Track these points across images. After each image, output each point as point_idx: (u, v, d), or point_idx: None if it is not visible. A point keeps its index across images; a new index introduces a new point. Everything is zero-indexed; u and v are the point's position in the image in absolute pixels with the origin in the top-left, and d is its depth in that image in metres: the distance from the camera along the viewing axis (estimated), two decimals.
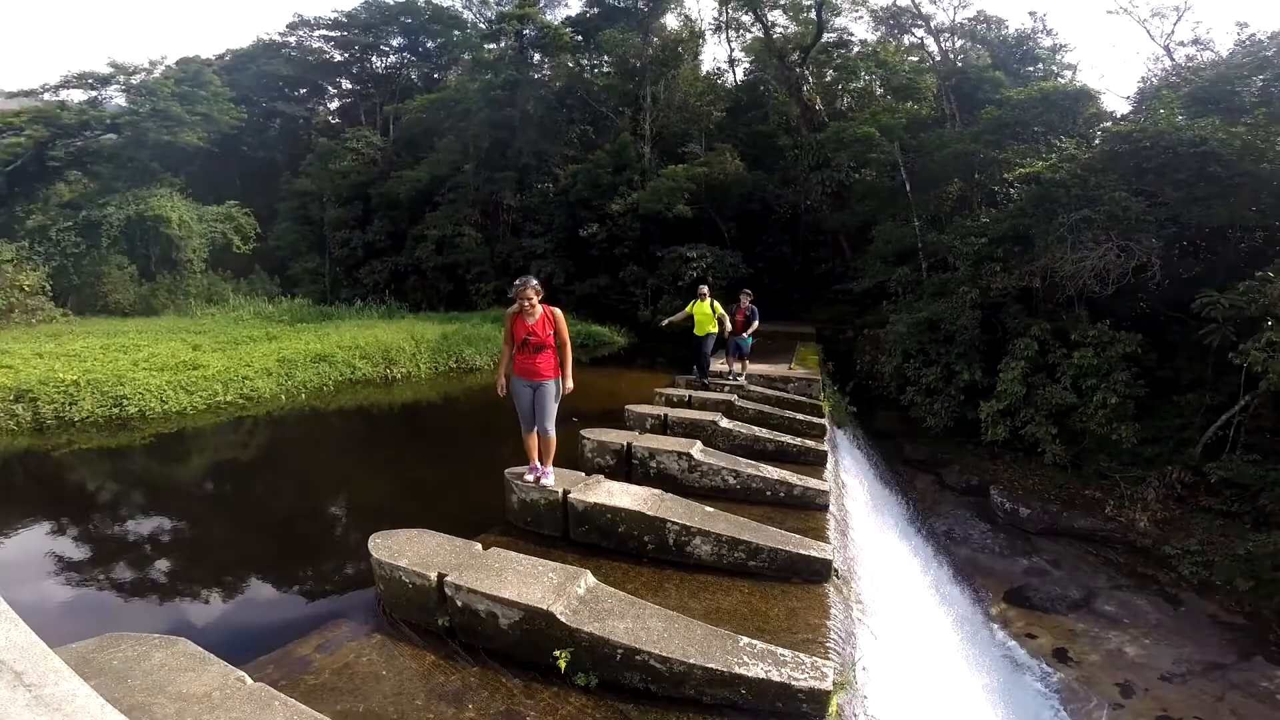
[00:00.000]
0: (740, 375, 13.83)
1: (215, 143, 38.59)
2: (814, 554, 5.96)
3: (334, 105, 51.93)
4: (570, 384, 6.84)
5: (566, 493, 6.58)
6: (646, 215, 30.76)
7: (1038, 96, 20.46)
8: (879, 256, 23.63)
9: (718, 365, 14.39)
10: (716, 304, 13.29)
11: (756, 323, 13.81)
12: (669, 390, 12.32)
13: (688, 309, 13.49)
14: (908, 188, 23.23)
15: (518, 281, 6.58)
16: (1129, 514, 14.06)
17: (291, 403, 16.12)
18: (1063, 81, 24.52)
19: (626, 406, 10.53)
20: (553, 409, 6.78)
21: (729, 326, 13.39)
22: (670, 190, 29.60)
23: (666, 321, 14.48)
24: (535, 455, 6.89)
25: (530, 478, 6.81)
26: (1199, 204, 14.83)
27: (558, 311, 6.74)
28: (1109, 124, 20.58)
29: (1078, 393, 15.02)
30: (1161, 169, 15.20)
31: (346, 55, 47.53)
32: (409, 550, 5.38)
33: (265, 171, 45.79)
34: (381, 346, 20.10)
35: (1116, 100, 38.14)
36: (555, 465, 6.99)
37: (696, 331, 13.26)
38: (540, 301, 6.60)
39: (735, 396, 11.82)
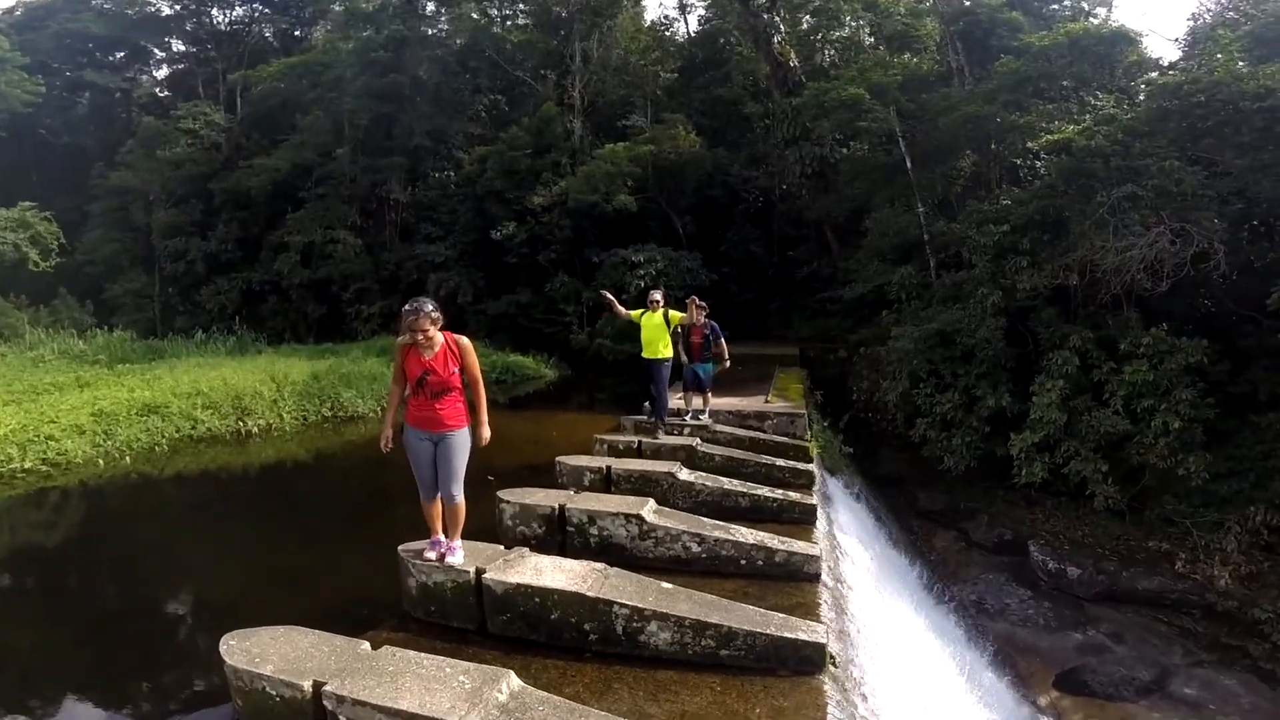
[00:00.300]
0: (703, 413, 13.63)
1: (3, 124, 37.90)
2: (803, 637, 6.00)
3: (162, 73, 51.51)
4: (486, 434, 6.80)
5: (481, 572, 6.50)
6: (579, 209, 30.90)
7: (1065, 42, 20.64)
8: (875, 253, 23.98)
9: (675, 400, 14.17)
10: (673, 313, 12.82)
11: (722, 342, 13.53)
12: (613, 436, 12.31)
13: (634, 314, 13.11)
14: (908, 164, 23.59)
15: (409, 305, 6.46)
16: (1205, 570, 14.21)
17: (112, 469, 15.77)
18: (1096, 22, 24.80)
19: (558, 458, 10.51)
20: (460, 468, 6.70)
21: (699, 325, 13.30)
22: (608, 176, 29.80)
23: (606, 300, 13.93)
24: (439, 526, 6.80)
25: (432, 555, 6.72)
26: (1269, 173, 15.04)
27: (464, 341, 6.72)
28: (1154, 75, 21.11)
29: (1131, 418, 15.24)
30: (1221, 130, 15.52)
31: (178, 7, 46.80)
32: (275, 653, 5.31)
33: (71, 162, 45.03)
34: (232, 392, 19.78)
35: (1162, 44, 39.54)
36: (465, 537, 6.94)
37: (647, 354, 12.87)
38: (441, 329, 6.56)
39: (697, 440, 11.86)
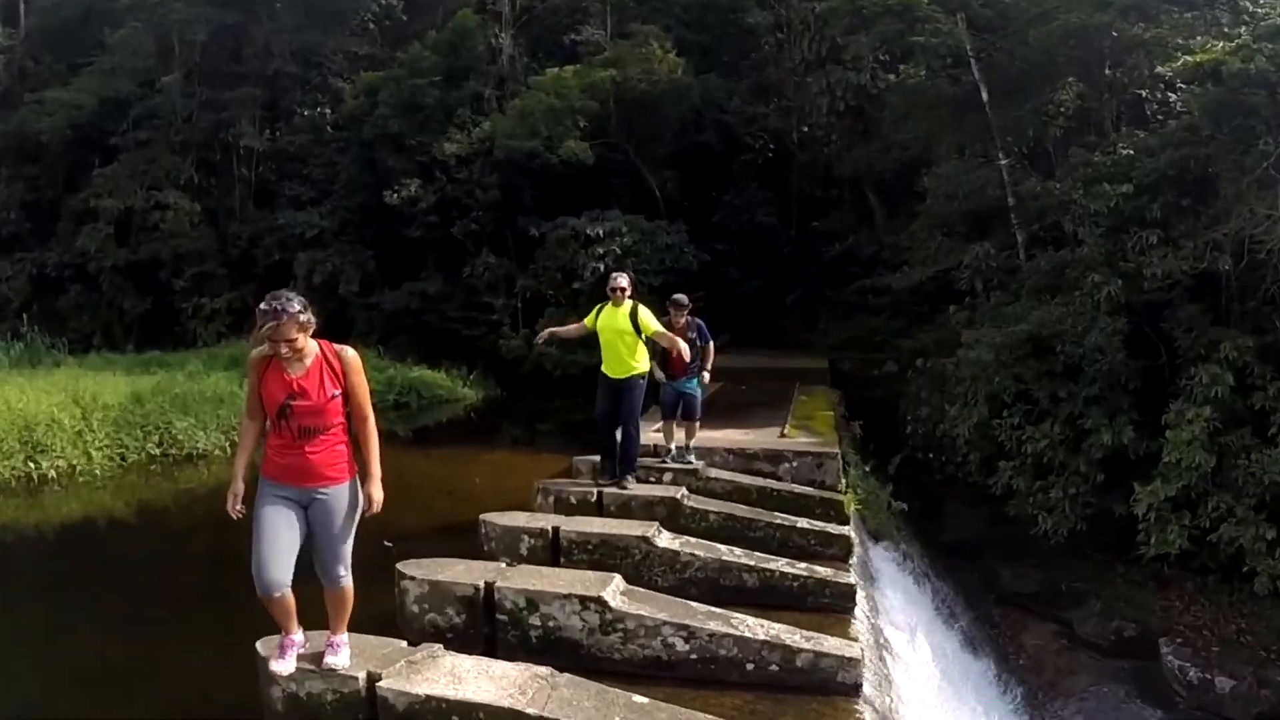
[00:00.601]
0: (689, 453, 13.33)
1: None
2: None
3: None
4: (377, 493, 6.40)
5: (375, 680, 6.41)
6: (510, 161, 30.93)
7: None
8: (937, 223, 24.13)
9: (650, 434, 13.84)
10: (646, 313, 11.88)
11: (711, 351, 13.51)
12: (562, 484, 12.29)
13: (586, 321, 12.39)
14: (984, 96, 23.54)
15: (266, 303, 5.93)
16: None
17: None
18: None
19: (484, 517, 10.47)
20: (346, 538, 6.41)
21: (678, 343, 11.94)
22: (552, 113, 29.85)
23: (545, 334, 13.77)
24: (294, 622, 6.56)
25: (285, 666, 6.61)
26: None
27: (348, 354, 6.39)
28: None
29: None
30: None
31: None
32: None
33: None
34: (18, 420, 19.64)
35: None
36: (353, 627, 6.91)
37: (607, 371, 12.15)
38: (315, 336, 6.25)
39: (683, 491, 11.86)
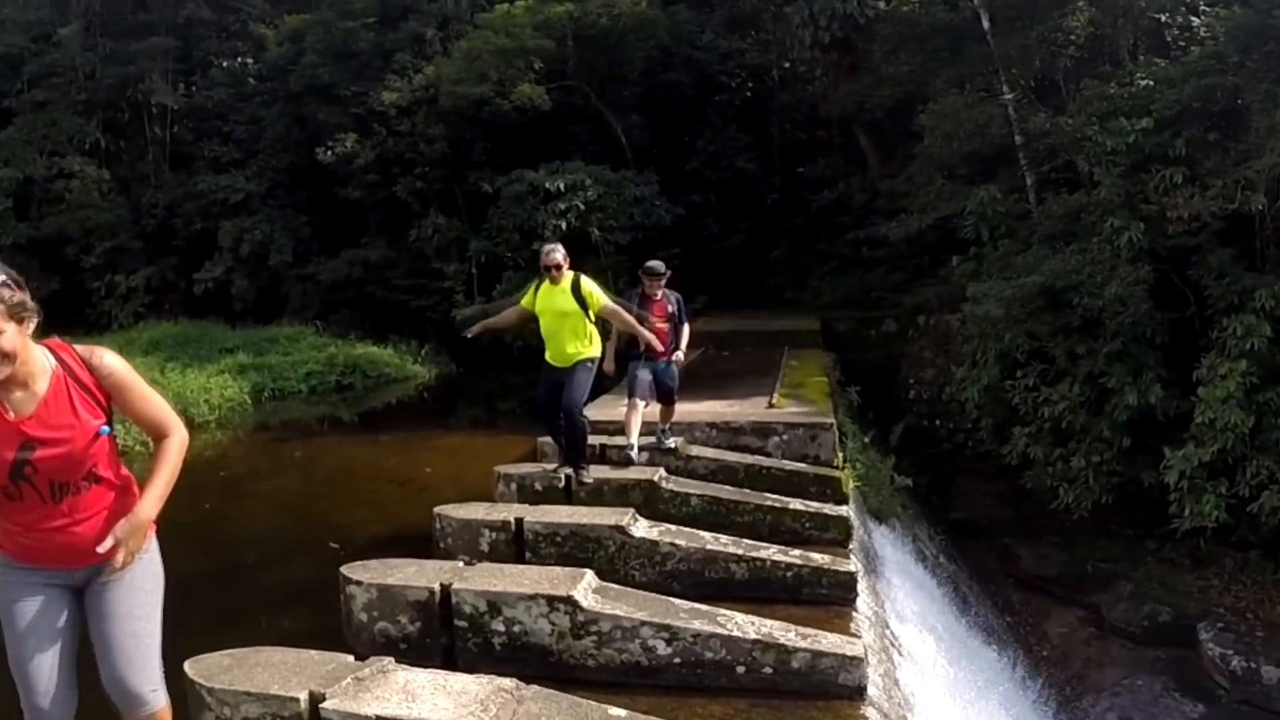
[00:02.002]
0: (667, 436, 12.87)
1: None
2: None
3: None
4: (142, 511, 4.76)
5: (319, 700, 6.31)
6: (458, 110, 30.97)
7: None
8: (937, 166, 24.18)
9: (612, 410, 13.80)
10: (591, 286, 11.07)
11: (686, 328, 12.93)
12: (526, 469, 12.21)
13: (523, 301, 11.54)
14: (985, 24, 23.56)
15: None
16: None
17: None
18: None
19: (438, 510, 10.44)
20: (150, 629, 5.01)
21: (643, 333, 11.31)
22: (503, 55, 29.84)
23: (475, 330, 12.42)
24: None
25: None
26: None
27: (106, 360, 4.69)
28: None
29: None
30: None
31: None
32: None
33: None
34: None
35: None
36: (295, 644, 6.87)
37: (551, 357, 11.33)
38: (33, 332, 4.44)
39: (661, 473, 11.77)
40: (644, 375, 12.25)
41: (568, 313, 10.96)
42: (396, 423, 23.78)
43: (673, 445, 12.72)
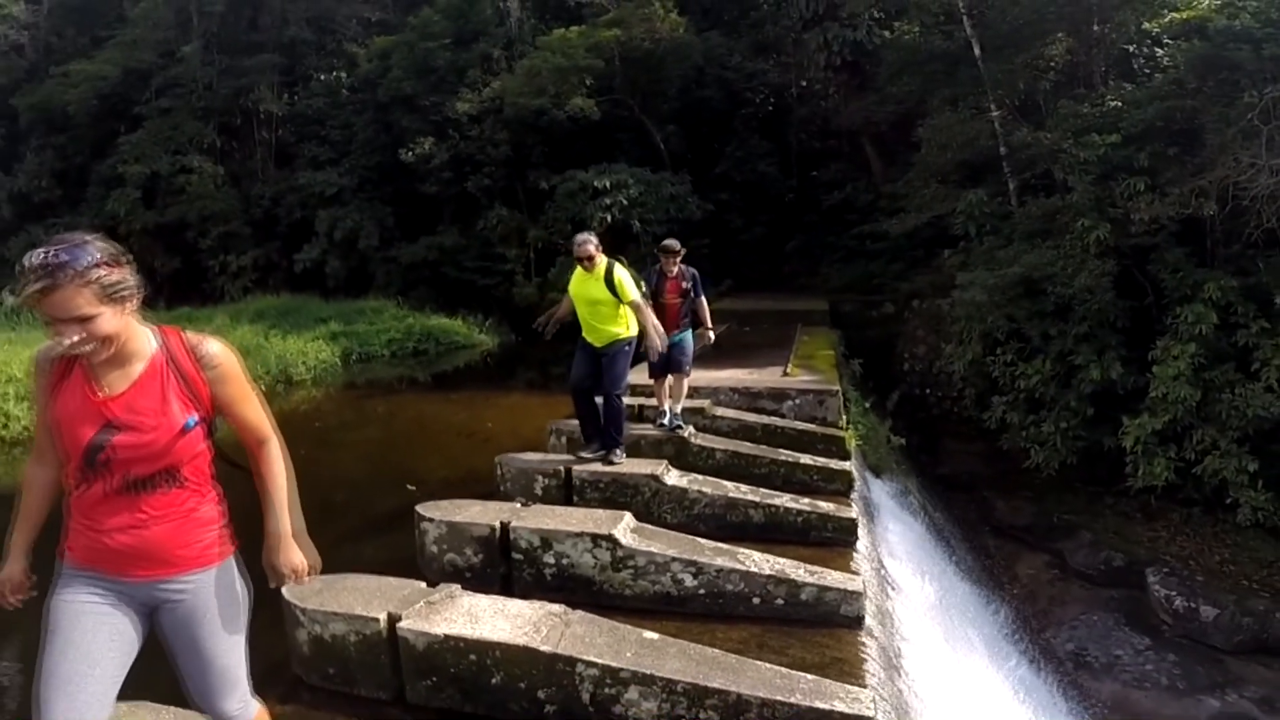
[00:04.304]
0: (677, 418, 11.70)
1: None
2: (841, 708, 5.85)
3: None
4: (295, 557, 4.26)
5: (395, 620, 6.35)
6: (520, 119, 30.91)
7: None
8: (932, 173, 23.99)
9: (643, 375, 12.96)
10: (623, 277, 9.85)
11: (705, 305, 12.00)
12: (574, 424, 11.99)
13: (569, 288, 10.48)
14: (976, 51, 23.40)
15: (39, 255, 3.33)
16: None
17: None
18: None
19: (499, 458, 10.40)
20: (232, 651, 4.19)
21: (650, 335, 9.81)
22: (559, 72, 29.76)
23: (549, 327, 11.07)
24: None
25: None
26: None
27: (213, 350, 3.97)
28: None
29: None
30: None
31: None
32: None
33: None
34: None
35: None
36: (375, 572, 6.82)
37: (588, 337, 10.26)
38: (151, 322, 3.91)
39: (690, 430, 11.74)
40: (660, 352, 10.91)
41: (600, 300, 9.91)
42: (463, 383, 23.79)
43: (682, 431, 11.45)
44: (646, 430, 11.52)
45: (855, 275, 28.13)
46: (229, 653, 4.14)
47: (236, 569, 4.15)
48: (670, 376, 11.62)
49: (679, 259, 11.69)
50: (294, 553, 4.23)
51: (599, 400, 10.22)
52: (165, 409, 3.77)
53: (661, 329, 10.00)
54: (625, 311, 10.01)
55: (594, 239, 10.03)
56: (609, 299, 9.83)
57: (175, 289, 36.25)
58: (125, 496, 3.77)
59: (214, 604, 4.02)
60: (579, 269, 10.09)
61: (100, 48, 38.50)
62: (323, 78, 36.70)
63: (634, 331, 10.12)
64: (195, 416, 3.86)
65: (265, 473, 4.24)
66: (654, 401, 12.03)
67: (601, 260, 9.88)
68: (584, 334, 10.27)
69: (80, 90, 36.84)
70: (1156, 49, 21.34)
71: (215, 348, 3.97)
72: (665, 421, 11.52)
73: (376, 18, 37.25)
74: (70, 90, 37.01)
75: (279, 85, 36.94)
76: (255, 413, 4.21)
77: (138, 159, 35.96)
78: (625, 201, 28.61)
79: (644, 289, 10.50)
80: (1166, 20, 19.03)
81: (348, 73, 36.19)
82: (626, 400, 11.68)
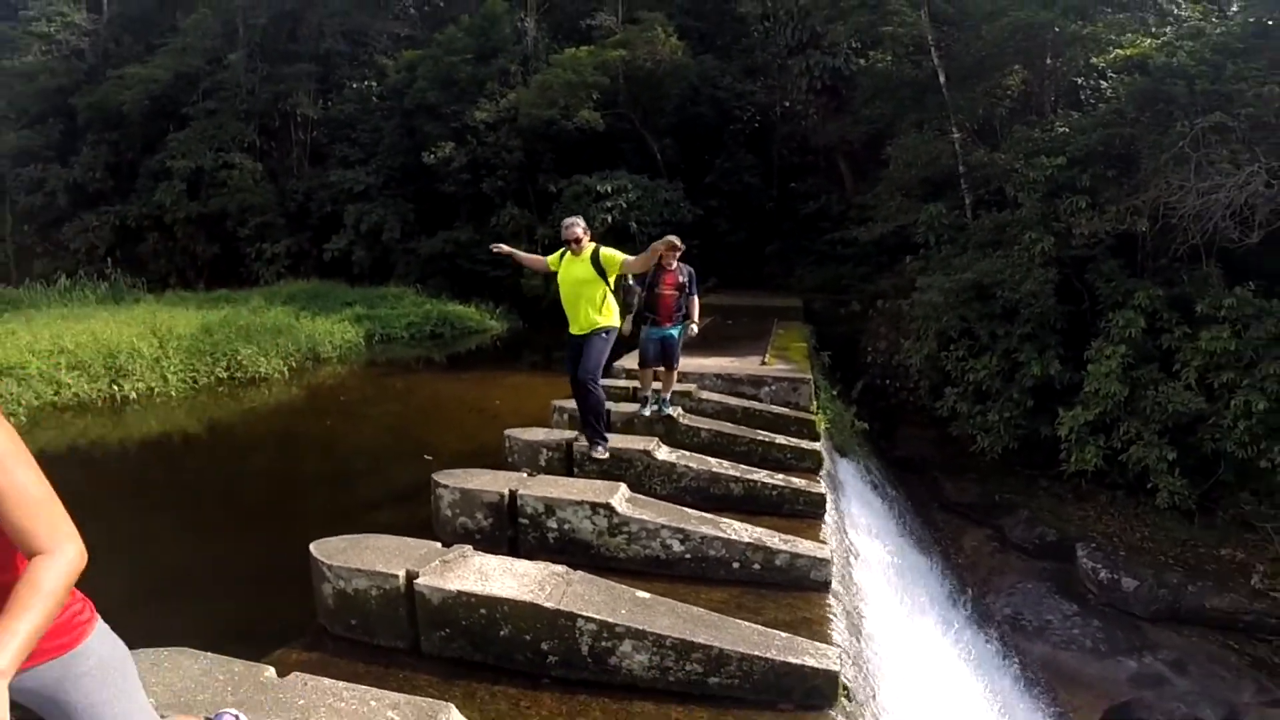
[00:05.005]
0: (667, 404, 11.43)
1: None
2: (811, 663, 5.89)
3: None
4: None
5: (413, 577, 6.34)
6: (532, 128, 30.92)
7: None
8: (898, 187, 24.00)
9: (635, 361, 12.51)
10: (611, 251, 9.32)
11: (696, 304, 11.28)
12: (573, 404, 12.12)
13: (550, 260, 9.91)
14: (942, 79, 23.40)
15: None
16: None
17: None
18: None
19: (507, 432, 10.40)
20: None
21: (649, 258, 9.43)
22: (568, 87, 29.71)
23: (503, 248, 10.51)
24: None
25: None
26: None
27: None
28: None
29: (1207, 395, 15.20)
30: None
31: None
32: (158, 683, 5.16)
33: None
34: (104, 349, 19.63)
35: None
36: (395, 533, 6.82)
37: (571, 329, 9.64)
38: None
39: (679, 410, 11.72)
40: (651, 346, 11.06)
41: (585, 280, 9.30)
42: (475, 364, 23.79)
43: (670, 413, 11.28)
44: (642, 411, 11.42)
45: (826, 277, 28.19)
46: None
47: (96, 645, 2.91)
48: (660, 368, 11.23)
49: (679, 255, 10.98)
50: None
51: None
52: None
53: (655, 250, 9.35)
54: (608, 299, 9.48)
55: (582, 221, 9.45)
56: (594, 279, 9.27)
57: (214, 273, 36.30)
58: None
59: (98, 675, 2.88)
60: (567, 253, 9.49)
61: (154, 54, 38.43)
62: (355, 86, 36.59)
63: (614, 321, 9.58)
64: None
65: (25, 579, 2.55)
66: (640, 387, 11.72)
67: (589, 245, 9.35)
68: (569, 327, 9.61)
69: (134, 92, 36.74)
70: (1102, 82, 21.35)
71: None
72: (655, 406, 11.25)
73: (405, 33, 37.16)
74: (125, 91, 36.90)
75: (315, 91, 36.85)
76: (27, 509, 2.64)
77: (184, 155, 35.90)
78: (625, 205, 28.64)
79: (633, 280, 10.37)
80: (1112, 56, 19.08)
81: (377, 82, 36.12)
82: (621, 383, 12.06)
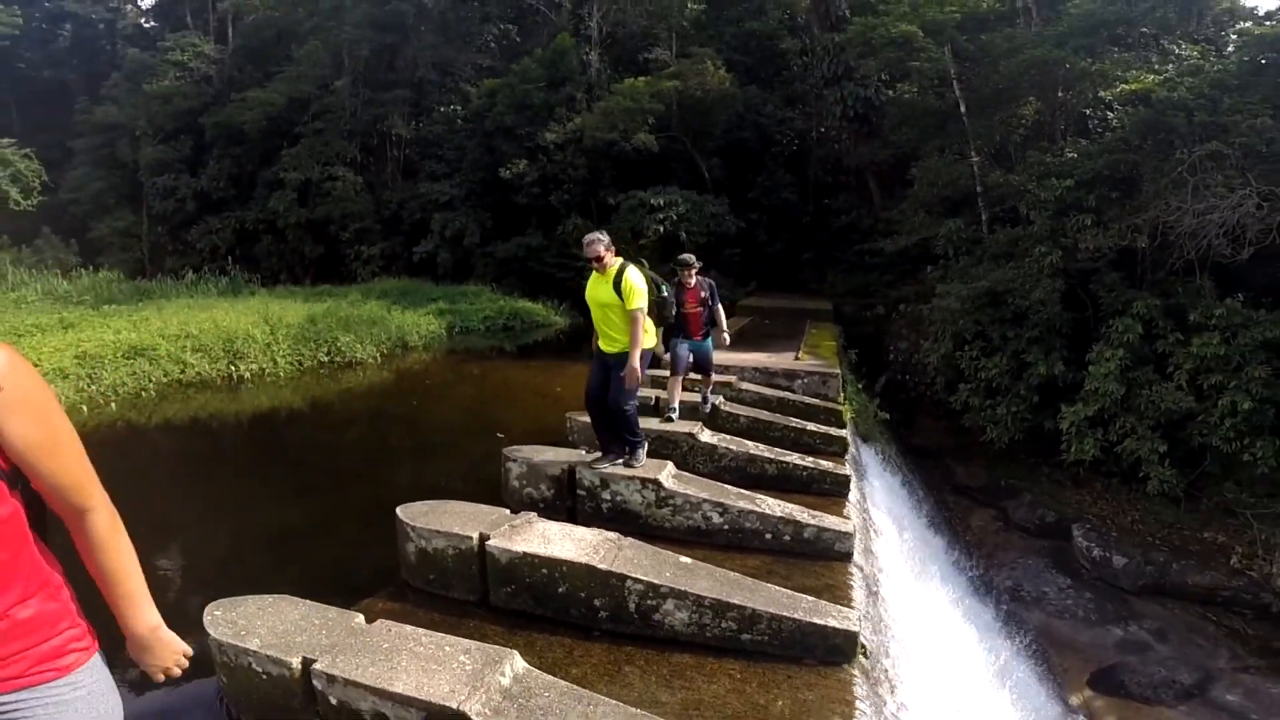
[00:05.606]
0: (706, 404, 11.00)
1: None
2: (834, 624, 5.88)
3: (147, 3, 51.29)
4: (160, 647, 2.68)
5: (484, 539, 6.42)
6: (595, 148, 30.96)
7: None
8: (921, 204, 23.84)
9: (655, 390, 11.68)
10: (633, 283, 7.76)
11: (722, 312, 10.96)
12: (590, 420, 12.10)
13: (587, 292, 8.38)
14: (962, 109, 23.26)
15: None
16: (1263, 567, 14.00)
17: (97, 415, 15.73)
18: None
19: (569, 414, 10.46)
20: None
21: (631, 366, 7.68)
22: (628, 112, 29.70)
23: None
24: None
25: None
26: None
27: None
28: (1248, 24, 20.71)
29: (1197, 395, 15.04)
30: None
31: None
32: (262, 626, 5.22)
33: (53, 97, 45.34)
34: (223, 335, 19.91)
35: None
36: (471, 495, 6.86)
37: (601, 344, 8.25)
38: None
39: (721, 399, 11.74)
40: (683, 352, 10.49)
41: (609, 304, 7.93)
42: (541, 354, 23.84)
43: (710, 408, 10.92)
44: (687, 398, 11.16)
45: (855, 283, 27.99)
46: None
47: (90, 679, 2.45)
48: (695, 375, 10.86)
49: (696, 271, 10.57)
50: (168, 650, 2.64)
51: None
52: None
53: (635, 371, 7.68)
54: (624, 319, 7.90)
55: (604, 237, 8.05)
56: (617, 303, 7.84)
57: (319, 271, 36.62)
58: None
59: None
60: (594, 275, 8.13)
61: (271, 80, 38.79)
62: (442, 110, 36.72)
63: (649, 341, 8.15)
64: None
65: (101, 554, 2.45)
66: (666, 397, 10.70)
67: (614, 262, 8.00)
68: (599, 341, 8.26)
69: (254, 113, 37.16)
70: (1108, 113, 21.08)
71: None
72: (676, 412, 10.21)
73: (486, 64, 37.24)
74: (246, 112, 37.33)
75: (408, 114, 37.06)
76: (69, 465, 2.38)
77: (295, 168, 36.25)
78: (675, 217, 28.54)
79: (667, 293, 8.60)
80: (1118, 90, 18.82)
81: (462, 106, 36.22)
82: (643, 392, 10.96)
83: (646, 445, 8.33)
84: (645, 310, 7.82)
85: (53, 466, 2.28)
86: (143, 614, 2.55)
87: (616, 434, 8.21)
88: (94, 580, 2.48)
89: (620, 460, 8.14)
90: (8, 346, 2.19)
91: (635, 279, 7.75)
